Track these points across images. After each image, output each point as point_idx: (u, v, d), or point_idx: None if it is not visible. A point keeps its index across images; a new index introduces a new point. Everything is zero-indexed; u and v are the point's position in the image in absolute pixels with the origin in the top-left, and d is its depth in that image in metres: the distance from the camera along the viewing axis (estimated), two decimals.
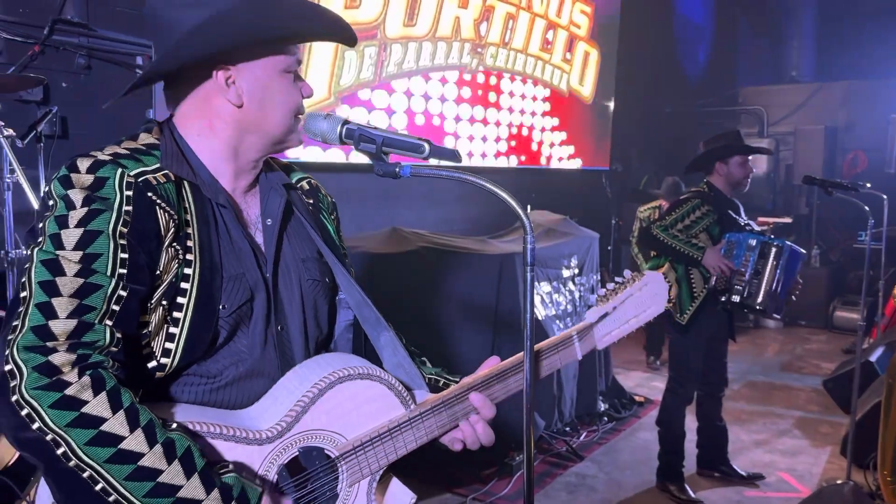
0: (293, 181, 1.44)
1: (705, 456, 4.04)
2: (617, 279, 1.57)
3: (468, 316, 4.14)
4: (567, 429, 4.48)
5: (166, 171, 1.22)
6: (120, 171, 1.16)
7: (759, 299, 3.66)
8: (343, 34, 1.39)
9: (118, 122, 4.29)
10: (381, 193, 5.73)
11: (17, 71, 3.73)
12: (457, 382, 1.40)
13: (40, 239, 1.12)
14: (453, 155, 1.26)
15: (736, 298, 3.67)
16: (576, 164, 8.07)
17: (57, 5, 3.88)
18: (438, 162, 1.30)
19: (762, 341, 7.69)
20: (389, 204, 5.80)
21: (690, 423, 3.89)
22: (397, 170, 1.27)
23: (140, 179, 1.18)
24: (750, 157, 3.83)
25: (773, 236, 3.79)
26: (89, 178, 1.15)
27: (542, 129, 7.47)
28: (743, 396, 5.59)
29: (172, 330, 1.18)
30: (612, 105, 8.67)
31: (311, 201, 1.46)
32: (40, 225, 1.13)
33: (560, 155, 7.80)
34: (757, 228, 3.88)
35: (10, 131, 2.56)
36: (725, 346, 3.92)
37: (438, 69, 6.11)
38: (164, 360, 1.18)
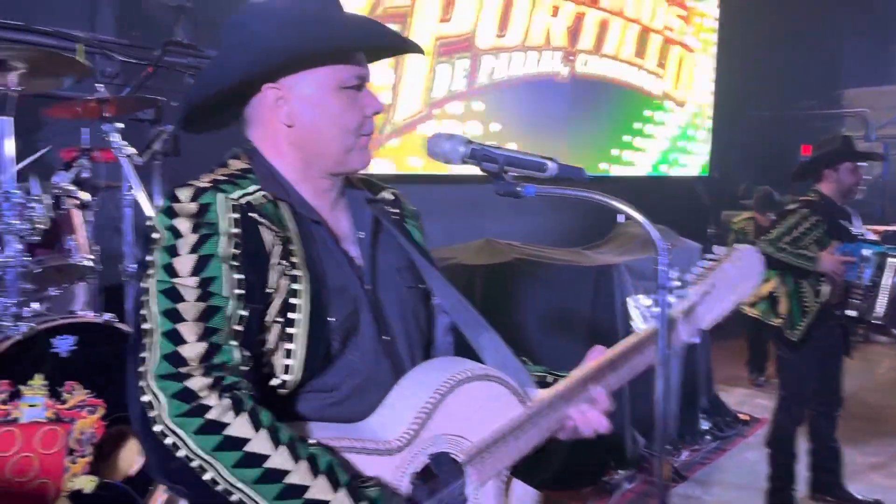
0: (376, 193, 1.45)
1: (818, 479, 3.82)
2: (709, 256, 1.53)
3: (563, 330, 4.07)
4: (668, 447, 4.33)
5: (265, 192, 1.23)
6: (221, 195, 1.18)
7: (877, 313, 3.45)
8: (392, 44, 1.38)
9: (225, 140, 4.43)
10: (469, 204, 5.72)
11: (132, 91, 3.93)
12: (565, 378, 1.37)
13: (151, 271, 1.13)
14: (579, 173, 1.23)
15: (852, 313, 3.47)
16: (670, 171, 7.86)
17: (168, 27, 4.07)
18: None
19: (873, 357, 7.25)
20: (478, 214, 5.78)
21: (801, 443, 3.69)
22: (519, 189, 1.25)
23: (242, 201, 1.20)
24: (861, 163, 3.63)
25: (889, 246, 3.57)
26: (193, 206, 1.16)
27: (636, 136, 7.32)
28: (855, 416, 5.27)
29: (289, 346, 1.19)
30: (709, 109, 8.41)
31: (396, 211, 1.46)
32: (149, 258, 1.15)
33: (652, 162, 7.62)
34: (872, 238, 3.66)
35: (132, 150, 2.67)
36: (840, 362, 3.71)
37: (530, 78, 6.08)
38: (284, 377, 1.19)
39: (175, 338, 1.08)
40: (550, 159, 1.23)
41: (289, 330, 1.19)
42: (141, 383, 1.07)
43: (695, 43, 8.09)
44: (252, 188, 1.22)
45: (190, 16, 4.16)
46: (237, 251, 1.15)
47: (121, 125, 2.70)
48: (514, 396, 1.29)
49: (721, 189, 8.69)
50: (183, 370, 1.07)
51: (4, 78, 2.17)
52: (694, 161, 8.32)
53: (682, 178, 8.18)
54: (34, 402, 1.96)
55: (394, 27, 4.87)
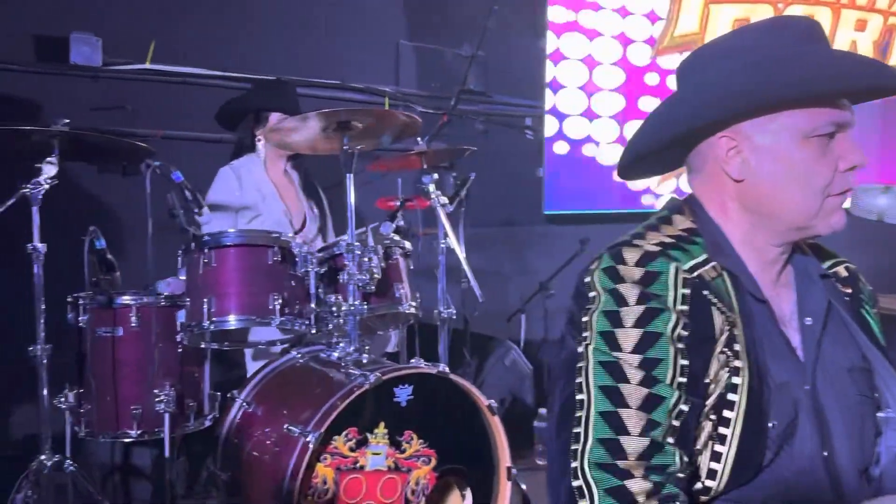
0: (829, 266, 1.21)
1: None
2: None
3: None
4: None
5: (715, 264, 1.08)
6: (673, 264, 1.05)
7: None
8: (888, 85, 1.13)
9: (511, 182, 4.54)
10: None
11: (429, 140, 4.11)
12: None
13: (587, 334, 1.04)
14: None
15: None
16: None
17: (461, 77, 4.21)
18: None
19: None
20: None
21: None
22: None
23: (694, 275, 1.06)
24: None
25: None
26: (640, 272, 1.04)
27: None
28: None
29: (718, 448, 1.03)
30: None
31: (849, 291, 1.20)
32: (584, 319, 1.06)
33: None
34: None
35: (445, 199, 2.73)
36: None
37: None
38: (709, 483, 1.03)
39: (615, 423, 0.98)
40: None
41: (721, 430, 1.03)
42: (573, 464, 0.98)
43: None
44: (702, 257, 1.08)
45: (481, 64, 4.27)
46: (685, 332, 1.02)
47: (436, 175, 2.77)
48: None
49: None
50: (621, 465, 0.96)
51: (345, 138, 2.29)
52: None
53: None
54: (377, 450, 2.01)
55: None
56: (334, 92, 3.82)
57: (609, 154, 4.44)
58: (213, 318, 2.23)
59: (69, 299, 2.45)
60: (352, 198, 2.31)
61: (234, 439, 2.25)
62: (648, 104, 4.53)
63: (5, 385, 3.03)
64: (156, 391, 2.32)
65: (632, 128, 4.50)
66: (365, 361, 2.22)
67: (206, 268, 2.27)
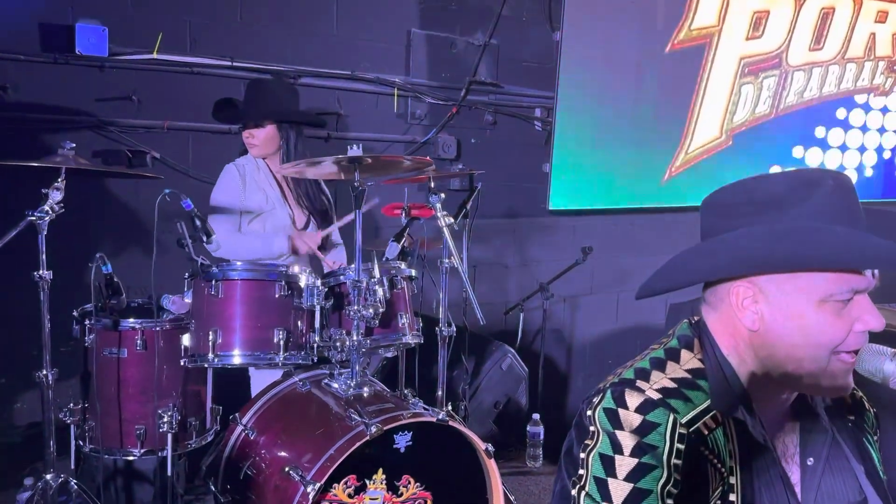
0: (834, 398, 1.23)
1: None
2: None
3: None
4: None
5: (715, 412, 1.10)
6: (671, 417, 1.06)
7: None
8: None
9: (517, 174, 4.51)
10: None
11: (437, 132, 4.07)
12: None
13: (582, 472, 1.07)
14: None
15: None
16: None
17: (471, 67, 4.13)
18: None
19: None
20: None
21: None
22: None
23: (692, 429, 1.07)
24: None
25: None
26: (638, 420, 1.05)
27: None
28: None
29: None
30: None
31: (852, 418, 1.23)
32: (581, 455, 1.08)
33: None
34: None
35: (451, 219, 2.70)
36: None
37: (845, 94, 5.38)
38: None
39: None
40: None
41: None
42: None
43: None
44: (703, 405, 1.09)
45: (493, 53, 4.18)
46: (675, 490, 1.05)
47: (443, 195, 2.74)
48: None
49: None
50: None
51: (355, 174, 2.28)
52: None
53: None
54: (375, 495, 2.07)
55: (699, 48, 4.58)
56: (344, 83, 3.75)
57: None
58: (219, 353, 2.25)
59: (74, 314, 2.47)
60: (360, 235, 2.30)
61: (236, 464, 2.31)
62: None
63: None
64: (160, 411, 2.37)
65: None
66: (365, 396, 2.27)
67: (212, 298, 2.28)
